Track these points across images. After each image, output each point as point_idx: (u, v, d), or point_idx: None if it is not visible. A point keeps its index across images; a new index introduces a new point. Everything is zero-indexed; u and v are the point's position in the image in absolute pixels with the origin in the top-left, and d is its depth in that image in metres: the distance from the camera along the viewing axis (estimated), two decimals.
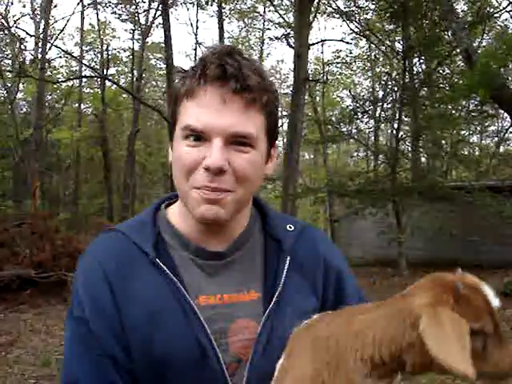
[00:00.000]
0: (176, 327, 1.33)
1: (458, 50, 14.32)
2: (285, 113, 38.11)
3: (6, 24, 25.74)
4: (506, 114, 20.77)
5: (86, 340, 1.34)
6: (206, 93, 1.32)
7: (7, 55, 28.49)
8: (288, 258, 1.44)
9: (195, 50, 35.29)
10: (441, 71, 19.01)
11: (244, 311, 1.40)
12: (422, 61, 20.49)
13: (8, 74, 26.75)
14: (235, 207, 1.37)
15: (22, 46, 27.74)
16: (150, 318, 1.33)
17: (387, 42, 20.37)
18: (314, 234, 1.60)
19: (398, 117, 17.87)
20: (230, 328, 1.39)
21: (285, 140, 30.43)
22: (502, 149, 28.88)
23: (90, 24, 32.42)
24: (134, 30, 31.52)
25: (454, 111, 19.14)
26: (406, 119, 19.17)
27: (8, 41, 27.18)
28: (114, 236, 1.46)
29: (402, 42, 19.12)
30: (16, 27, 25.33)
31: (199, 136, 1.33)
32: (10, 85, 29.02)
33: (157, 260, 1.37)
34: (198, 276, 1.41)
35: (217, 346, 1.34)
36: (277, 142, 1.53)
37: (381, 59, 21.64)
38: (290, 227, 1.52)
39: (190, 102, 1.35)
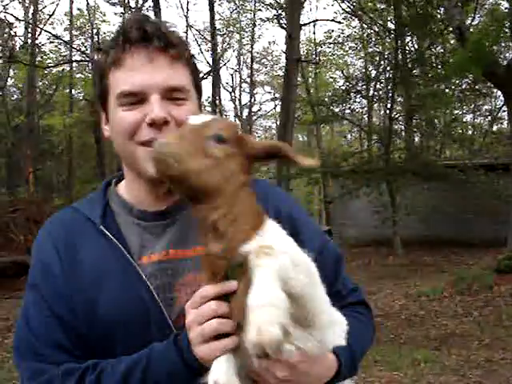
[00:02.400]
0: (118, 288, 1.40)
1: (451, 28, 14.26)
2: (278, 95, 38.14)
3: None
4: (498, 93, 20.81)
5: (37, 303, 1.44)
6: (132, 56, 1.39)
7: None
8: None
9: (186, 32, 34.99)
10: (433, 50, 18.95)
11: (192, 266, 1.43)
12: (414, 39, 20.40)
13: None
14: None
15: (12, 32, 27.51)
16: (94, 281, 1.40)
17: (379, 22, 20.22)
18: (264, 187, 1.61)
19: (390, 96, 17.82)
20: (176, 283, 1.43)
21: (278, 121, 30.39)
22: (495, 127, 28.89)
23: (79, 9, 31.94)
24: (124, 14, 31.23)
25: (447, 90, 19.10)
26: (399, 99, 19.12)
27: None
28: (65, 211, 1.59)
29: (394, 21, 19.01)
30: (5, 12, 25.01)
31: (135, 100, 1.39)
32: (0, 71, 28.83)
33: (101, 227, 1.45)
34: (142, 237, 1.48)
35: (160, 301, 1.40)
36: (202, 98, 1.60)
37: (373, 39, 21.46)
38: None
39: (119, 71, 1.40)
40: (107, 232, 1.45)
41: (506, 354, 7.24)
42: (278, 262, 1.12)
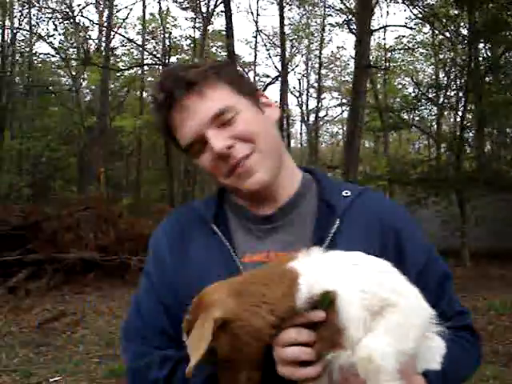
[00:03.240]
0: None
1: None
2: (345, 100, 37.87)
3: (70, 13, 26.32)
4: None
5: (148, 290, 1.56)
6: (171, 116, 1.49)
7: (72, 44, 29.11)
8: (337, 221, 1.47)
9: (255, 37, 35.27)
10: (507, 57, 18.42)
11: None
12: (488, 46, 19.88)
13: (73, 62, 27.37)
14: (267, 161, 1.48)
15: (87, 35, 28.36)
16: (200, 276, 1.45)
17: (452, 28, 19.81)
18: (372, 196, 1.60)
19: (462, 104, 17.43)
20: None
21: (345, 128, 30.17)
22: None
23: (151, 13, 32.55)
24: (195, 19, 31.73)
25: None
26: (470, 107, 18.68)
27: (73, 30, 27.75)
28: (183, 208, 1.72)
29: (467, 27, 18.58)
30: (81, 16, 25.83)
31: (200, 146, 1.48)
32: (75, 73, 29.72)
33: (212, 225, 1.54)
34: (248, 238, 1.54)
35: None
36: (261, 91, 1.61)
37: (445, 45, 21.05)
38: (347, 193, 1.55)
39: (173, 131, 1.52)
40: (217, 230, 1.53)
41: None
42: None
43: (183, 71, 1.49)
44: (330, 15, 32.34)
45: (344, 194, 1.54)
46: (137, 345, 1.52)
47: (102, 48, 27.88)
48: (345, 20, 25.82)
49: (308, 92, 41.23)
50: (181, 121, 1.47)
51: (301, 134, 46.20)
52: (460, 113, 17.87)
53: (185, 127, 1.47)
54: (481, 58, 19.07)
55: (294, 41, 35.84)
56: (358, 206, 1.52)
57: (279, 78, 27.90)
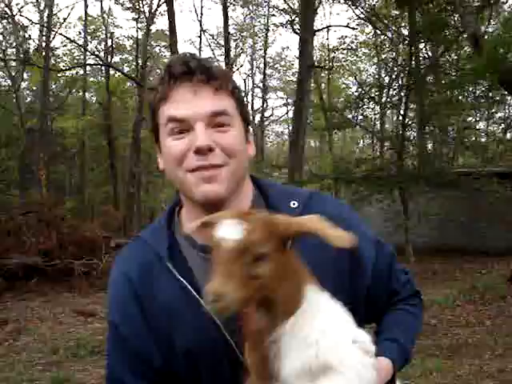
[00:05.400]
0: (189, 326, 1.45)
1: (466, 35, 14.17)
2: (290, 100, 38.12)
3: (9, 12, 25.67)
4: None
5: (117, 340, 1.54)
6: (177, 90, 1.47)
7: (11, 44, 28.42)
8: None
9: (200, 37, 35.15)
10: (447, 56, 18.87)
11: None
12: (428, 46, 20.32)
13: (12, 62, 26.71)
14: (231, 181, 1.47)
15: (26, 35, 27.71)
16: (169, 319, 1.46)
17: (393, 28, 20.17)
18: (319, 200, 1.61)
19: (404, 103, 17.75)
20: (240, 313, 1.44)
21: (290, 127, 30.36)
22: (508, 135, 28.72)
23: (90, 16, 31.99)
24: (137, 18, 31.39)
25: (460, 97, 18.99)
26: (412, 105, 19.04)
27: (12, 29, 27.08)
28: (136, 244, 1.64)
29: (408, 28, 18.94)
30: (20, 15, 25.22)
31: (182, 129, 1.46)
32: (14, 73, 29.00)
33: (167, 264, 1.50)
34: (207, 269, 1.44)
35: (230, 337, 1.44)
36: (250, 129, 1.63)
37: (386, 45, 21.42)
38: (294, 204, 1.54)
39: (166, 105, 1.49)
40: (174, 271, 1.49)
41: None
42: None
43: (209, 63, 1.50)
44: (274, 15, 32.54)
45: (292, 205, 1.53)
46: None
47: (42, 48, 27.26)
48: (288, 20, 25.94)
49: (253, 92, 41.36)
50: (183, 100, 1.46)
51: None
52: (402, 112, 18.19)
53: (183, 106, 1.46)
54: (421, 58, 19.47)
55: (238, 41, 35.91)
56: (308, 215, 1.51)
57: None
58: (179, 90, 1.47)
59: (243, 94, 1.59)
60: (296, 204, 1.53)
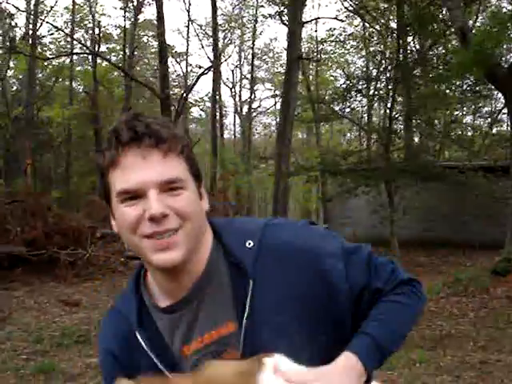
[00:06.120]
0: None
1: (453, 29, 14.23)
2: (278, 92, 38.06)
3: None
4: (499, 95, 20.77)
5: None
6: (126, 157, 1.43)
7: None
8: (251, 282, 1.45)
9: (187, 27, 35.03)
10: (435, 50, 18.94)
11: (227, 345, 1.46)
12: (416, 39, 20.38)
13: None
14: (189, 243, 1.45)
15: (13, 22, 27.44)
16: None
17: (381, 21, 20.21)
18: (275, 233, 1.56)
19: (391, 96, 17.80)
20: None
21: (278, 118, 30.35)
22: (494, 129, 28.88)
23: (77, 4, 31.73)
24: (125, 8, 31.18)
25: (447, 91, 19.08)
26: (399, 98, 19.10)
27: None
28: (111, 315, 1.65)
29: (396, 21, 18.97)
30: (6, 2, 24.96)
31: (134, 196, 1.43)
32: (0, 62, 28.74)
33: (136, 333, 1.51)
34: (179, 330, 1.52)
35: None
36: (202, 182, 1.60)
37: (375, 38, 21.46)
38: (249, 243, 1.51)
39: (116, 171, 1.45)
40: (140, 339, 1.51)
41: (501, 356, 7.23)
42: None
43: (156, 125, 1.45)
44: (263, 6, 32.44)
45: (247, 245, 1.51)
46: None
47: (29, 36, 27.02)
48: (277, 11, 25.88)
49: (241, 83, 41.34)
50: (132, 166, 1.43)
51: (234, 125, 46.27)
52: (389, 105, 18.24)
53: (132, 174, 1.43)
54: (409, 51, 19.53)
55: (226, 31, 35.82)
56: (266, 253, 1.50)
57: (212, 69, 27.73)
58: (128, 157, 1.44)
59: (191, 153, 1.55)
60: (251, 243, 1.50)
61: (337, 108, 19.92)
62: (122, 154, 1.44)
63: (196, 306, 1.51)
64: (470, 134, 27.44)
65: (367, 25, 22.70)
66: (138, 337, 1.51)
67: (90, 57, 30.13)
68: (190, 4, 47.28)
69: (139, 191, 1.43)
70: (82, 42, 29.78)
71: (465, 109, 26.89)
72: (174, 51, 33.80)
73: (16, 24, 28.55)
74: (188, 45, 35.54)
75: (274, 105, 41.89)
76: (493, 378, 6.46)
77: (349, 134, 35.33)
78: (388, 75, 18.45)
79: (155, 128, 1.45)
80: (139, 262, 1.67)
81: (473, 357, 7.23)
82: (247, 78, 40.35)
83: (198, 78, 27.24)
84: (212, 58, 29.93)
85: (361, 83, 19.33)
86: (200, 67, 33.93)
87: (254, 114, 42.48)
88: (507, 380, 6.41)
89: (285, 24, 23.01)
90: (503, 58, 15.38)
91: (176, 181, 1.44)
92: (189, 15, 33.38)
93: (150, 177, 1.42)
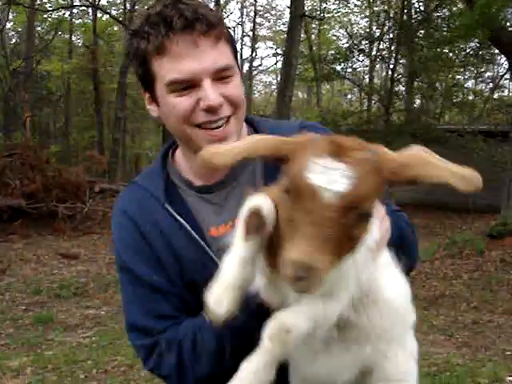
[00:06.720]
0: (192, 262, 1.49)
1: None
2: (279, 50, 37.67)
3: None
4: (502, 61, 20.64)
5: (131, 282, 1.53)
6: (177, 44, 1.40)
7: None
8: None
9: None
10: (440, 12, 18.68)
11: None
12: (421, 0, 20.09)
13: None
14: (239, 130, 1.50)
15: None
16: (174, 256, 1.50)
17: None
18: (308, 127, 1.57)
19: (393, 57, 17.64)
20: None
21: (278, 77, 30.11)
22: (496, 95, 28.70)
23: None
24: None
25: (450, 54, 18.89)
26: (401, 60, 18.93)
27: None
28: (132, 188, 1.63)
29: None
30: None
31: (187, 86, 1.43)
32: None
33: (165, 205, 1.52)
34: (208, 210, 1.56)
35: None
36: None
37: None
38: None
39: (164, 58, 1.42)
40: (172, 210, 1.52)
41: (492, 317, 7.36)
42: None
43: (204, 10, 1.44)
44: None
45: None
46: (143, 339, 1.51)
47: None
48: None
49: (242, 41, 40.80)
50: (185, 54, 1.41)
51: None
52: (391, 66, 18.10)
53: (186, 63, 1.41)
54: (413, 12, 19.27)
55: None
56: None
57: None
58: (179, 44, 1.41)
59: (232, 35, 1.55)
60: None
61: (338, 68, 19.75)
62: (173, 40, 1.41)
63: (227, 193, 1.56)
64: (471, 98, 27.27)
65: None
66: (170, 209, 1.52)
67: (90, 10, 29.67)
68: None
69: (193, 81, 1.43)
70: None
71: (467, 73, 26.66)
72: None
73: None
74: None
75: (275, 63, 41.53)
76: (484, 338, 6.59)
77: (350, 95, 35.10)
78: (391, 36, 18.26)
79: (203, 12, 1.43)
80: (165, 146, 1.69)
81: (465, 317, 7.35)
82: (249, 36, 39.88)
83: None
84: None
85: (363, 43, 19.15)
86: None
87: (255, 72, 42.11)
88: (498, 340, 6.54)
89: None
90: (508, 23, 15.20)
91: (228, 68, 1.46)
92: None
93: (204, 66, 1.42)
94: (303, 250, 0.89)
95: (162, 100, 1.48)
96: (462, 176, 1.03)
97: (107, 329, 7.04)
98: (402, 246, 1.48)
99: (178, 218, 1.50)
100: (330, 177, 0.92)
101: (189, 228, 1.50)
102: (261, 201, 1.11)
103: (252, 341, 1.14)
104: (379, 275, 1.25)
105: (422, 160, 1.03)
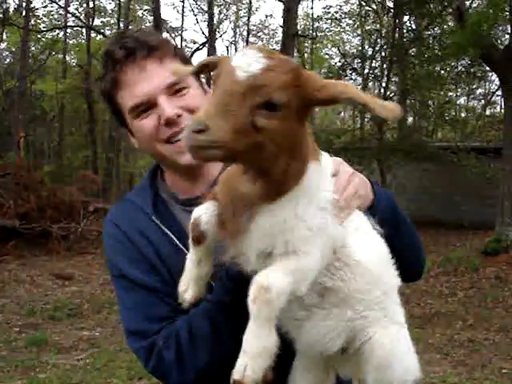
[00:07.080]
0: (179, 269, 1.47)
1: (450, 9, 14.17)
2: None
3: None
4: (493, 77, 20.80)
5: (128, 288, 1.59)
6: (126, 74, 1.53)
7: None
8: None
9: (183, 1, 34.70)
10: (431, 30, 18.84)
11: None
12: (412, 19, 20.27)
13: None
14: None
15: None
16: (162, 261, 1.58)
17: None
18: None
19: (386, 75, 17.75)
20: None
21: None
22: (488, 111, 28.92)
23: None
24: None
25: (442, 71, 19.03)
26: (394, 78, 19.04)
27: None
28: (123, 204, 1.75)
29: (392, 0, 18.86)
30: None
31: (146, 108, 1.54)
32: None
33: (153, 217, 1.61)
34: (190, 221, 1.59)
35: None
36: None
37: (371, 16, 21.33)
38: None
39: (121, 91, 1.56)
40: (159, 222, 1.60)
41: (488, 335, 7.34)
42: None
43: (144, 36, 1.56)
44: None
45: None
46: (141, 343, 1.56)
47: (22, 8, 26.67)
48: None
49: None
50: (135, 81, 1.52)
51: None
52: (384, 84, 18.20)
53: (137, 87, 1.52)
54: (405, 31, 19.43)
55: (222, 7, 35.45)
56: None
57: (206, 45, 27.55)
58: (127, 73, 1.53)
59: (184, 52, 1.69)
60: None
61: None
62: (121, 72, 1.53)
63: None
64: (463, 115, 27.45)
65: (363, 3, 22.51)
66: (157, 221, 1.60)
67: (83, 30, 29.83)
68: None
69: (149, 101, 1.53)
70: (76, 15, 29.43)
71: (459, 90, 26.87)
72: (168, 26, 33.52)
73: None
74: (183, 20, 35.34)
75: None
76: (481, 356, 6.57)
77: (343, 113, 35.26)
78: (383, 54, 18.39)
79: (144, 39, 1.54)
80: (154, 163, 1.79)
81: (461, 335, 7.33)
82: None
83: (193, 53, 27.10)
84: (207, 34, 29.70)
85: (356, 62, 19.26)
86: (195, 43, 33.74)
87: None
88: (495, 358, 6.52)
89: (281, 0, 22.81)
90: (499, 41, 15.35)
91: (178, 81, 1.54)
92: None
93: (154, 84, 1.52)
94: (206, 109, 1.02)
95: (133, 128, 1.60)
96: (383, 104, 1.08)
97: (102, 350, 6.98)
98: (397, 228, 1.64)
99: (164, 229, 1.59)
100: (247, 60, 1.05)
101: (174, 238, 1.58)
102: (201, 212, 1.32)
103: (247, 319, 1.19)
104: (352, 239, 1.34)
105: (347, 84, 1.13)
